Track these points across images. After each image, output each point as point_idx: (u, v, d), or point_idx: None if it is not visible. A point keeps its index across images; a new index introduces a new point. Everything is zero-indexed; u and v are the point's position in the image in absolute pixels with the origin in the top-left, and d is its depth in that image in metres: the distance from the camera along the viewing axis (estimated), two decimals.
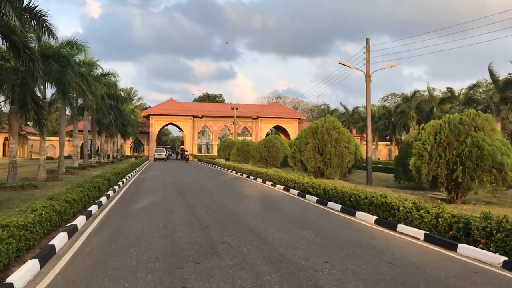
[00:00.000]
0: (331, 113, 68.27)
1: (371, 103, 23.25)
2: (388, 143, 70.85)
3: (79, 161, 34.22)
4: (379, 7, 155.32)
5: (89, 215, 9.85)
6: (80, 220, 8.82)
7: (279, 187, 17.72)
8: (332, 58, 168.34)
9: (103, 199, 12.51)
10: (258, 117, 68.26)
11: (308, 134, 23.04)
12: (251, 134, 69.47)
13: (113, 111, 34.30)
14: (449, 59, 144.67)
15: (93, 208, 10.67)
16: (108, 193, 14.09)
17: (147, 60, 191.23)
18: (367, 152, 21.36)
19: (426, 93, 54.09)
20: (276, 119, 68.71)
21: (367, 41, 20.59)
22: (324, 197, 12.89)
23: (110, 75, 30.77)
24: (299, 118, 70.56)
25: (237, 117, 66.37)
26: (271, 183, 19.24)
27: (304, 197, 14.25)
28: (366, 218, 9.86)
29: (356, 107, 67.39)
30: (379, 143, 66.03)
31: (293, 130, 69.05)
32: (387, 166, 33.74)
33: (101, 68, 27.96)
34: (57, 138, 67.32)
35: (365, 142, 59.90)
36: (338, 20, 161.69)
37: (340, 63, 20.92)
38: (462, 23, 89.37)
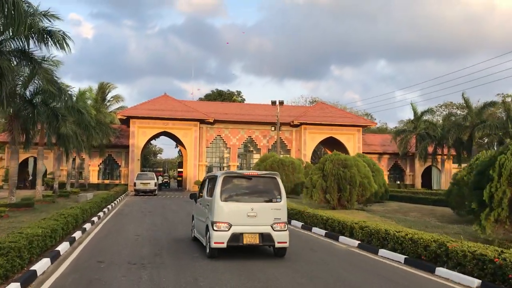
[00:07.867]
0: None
1: None
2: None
3: None
4: (377, 32, 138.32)
5: None
6: None
7: None
8: (328, 82, 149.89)
9: None
10: (301, 124, 43.66)
11: None
12: (289, 150, 44.72)
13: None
14: (445, 84, 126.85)
15: None
16: None
17: (139, 82, 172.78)
18: None
19: None
20: (328, 127, 44.07)
21: None
22: None
23: None
24: (363, 126, 46.06)
25: (270, 123, 41.90)
26: None
27: None
28: None
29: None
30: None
31: (353, 144, 44.50)
32: None
33: None
34: None
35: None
36: (334, 43, 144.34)
37: None
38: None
